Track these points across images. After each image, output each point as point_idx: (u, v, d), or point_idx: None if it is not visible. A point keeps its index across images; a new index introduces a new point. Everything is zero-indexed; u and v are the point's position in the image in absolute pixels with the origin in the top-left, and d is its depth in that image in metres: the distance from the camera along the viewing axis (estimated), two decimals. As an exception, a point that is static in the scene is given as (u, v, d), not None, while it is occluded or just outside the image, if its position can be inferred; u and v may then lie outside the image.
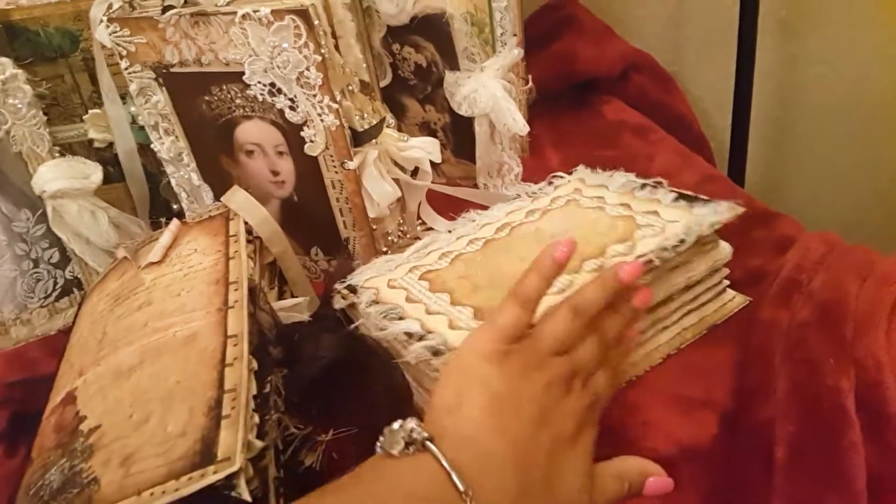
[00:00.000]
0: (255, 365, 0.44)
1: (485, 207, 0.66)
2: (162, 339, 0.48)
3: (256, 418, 0.41)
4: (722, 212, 0.53)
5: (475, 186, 0.81)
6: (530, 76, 0.81)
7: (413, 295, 0.52)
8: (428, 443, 0.36)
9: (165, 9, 0.57)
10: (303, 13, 0.53)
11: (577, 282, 0.48)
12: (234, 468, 0.37)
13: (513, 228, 0.58)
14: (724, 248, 0.55)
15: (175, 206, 0.72)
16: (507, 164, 0.78)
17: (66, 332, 0.68)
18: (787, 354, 0.47)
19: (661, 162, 0.78)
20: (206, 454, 0.38)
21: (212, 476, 0.37)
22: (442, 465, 0.35)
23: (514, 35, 0.75)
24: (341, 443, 0.49)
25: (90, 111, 0.73)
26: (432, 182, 0.69)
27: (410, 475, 0.36)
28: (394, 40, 0.77)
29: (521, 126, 0.72)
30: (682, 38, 1.07)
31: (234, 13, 0.54)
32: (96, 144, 0.74)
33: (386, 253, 0.67)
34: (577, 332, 0.42)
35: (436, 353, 0.46)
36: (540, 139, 0.87)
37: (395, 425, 0.38)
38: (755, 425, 0.45)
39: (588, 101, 0.94)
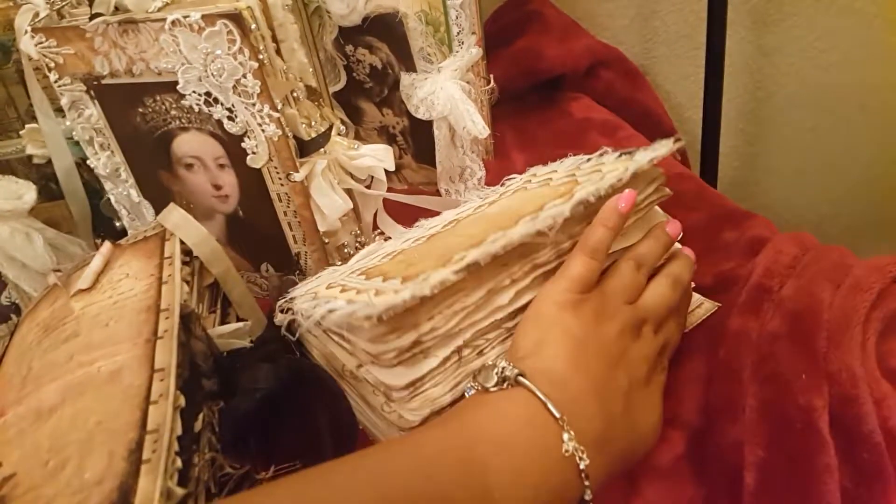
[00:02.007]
0: (181, 402, 0.41)
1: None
2: (86, 375, 0.44)
3: (179, 462, 0.38)
4: (659, 147, 0.50)
5: (437, 192, 0.78)
6: (492, 76, 0.78)
7: (348, 286, 0.48)
8: (521, 378, 0.39)
9: (93, 17, 0.53)
10: (235, 17, 0.49)
11: (509, 233, 0.44)
12: None
13: (459, 222, 0.55)
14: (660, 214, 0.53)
15: (118, 224, 0.68)
16: (469, 167, 0.75)
17: None
18: (755, 369, 0.45)
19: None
20: (123, 503, 0.35)
21: None
22: (537, 395, 0.38)
23: (473, 33, 0.72)
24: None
25: (27, 126, 0.69)
26: (389, 190, 0.66)
27: (509, 404, 0.39)
28: (346, 42, 0.73)
29: (480, 129, 0.68)
30: (651, 30, 1.04)
31: (164, 20, 0.51)
32: (36, 160, 0.70)
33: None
34: (640, 281, 0.46)
35: (351, 315, 0.42)
36: (505, 141, 0.84)
37: (488, 362, 0.42)
38: (723, 447, 0.42)
39: (554, 100, 0.91)
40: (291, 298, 0.52)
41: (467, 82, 0.71)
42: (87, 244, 0.67)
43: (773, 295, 0.50)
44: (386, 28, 0.70)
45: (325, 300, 0.46)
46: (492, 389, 0.40)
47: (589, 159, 0.56)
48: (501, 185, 0.61)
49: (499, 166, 0.80)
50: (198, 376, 0.45)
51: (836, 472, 0.39)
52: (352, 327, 0.44)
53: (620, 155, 0.54)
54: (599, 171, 0.51)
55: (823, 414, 0.40)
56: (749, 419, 0.42)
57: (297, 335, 0.52)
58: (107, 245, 0.53)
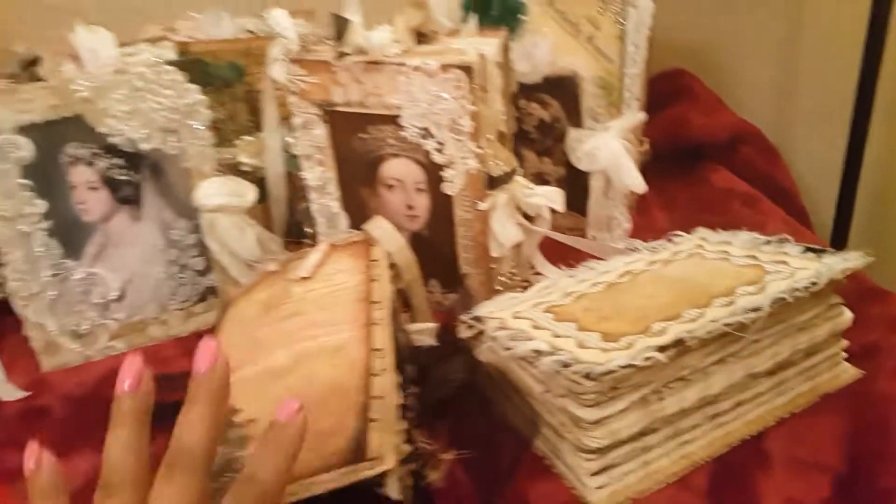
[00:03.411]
0: (398, 378, 0.48)
1: (594, 258, 0.70)
2: (313, 346, 0.52)
3: (403, 425, 0.45)
4: (851, 259, 0.55)
5: (584, 237, 0.84)
6: (647, 139, 0.85)
7: (539, 323, 0.55)
8: None
9: (340, 55, 0.64)
10: (468, 69, 0.59)
11: (707, 315, 0.51)
12: (387, 466, 0.41)
13: (635, 275, 0.62)
14: (846, 315, 0.57)
15: (308, 230, 0.78)
16: (616, 218, 0.82)
17: (197, 336, 0.74)
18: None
19: (771, 232, 0.79)
20: (357, 452, 0.42)
21: (365, 472, 0.41)
22: None
23: (637, 99, 0.79)
24: (454, 465, 0.52)
25: (243, 137, 0.81)
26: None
27: None
28: (522, 95, 0.82)
29: (639, 184, 0.75)
30: (790, 111, 1.09)
31: (405, 64, 0.60)
32: (242, 168, 0.81)
33: (500, 292, 0.71)
34: None
35: (565, 365, 0.48)
36: (646, 199, 0.90)
37: None
38: (874, 492, 0.46)
39: (694, 167, 0.97)
40: (477, 317, 0.59)
41: (627, 141, 0.79)
42: (281, 243, 0.77)
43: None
44: (561, 87, 0.79)
45: (522, 334, 0.53)
46: None
47: (768, 241, 0.62)
48: (668, 241, 0.67)
49: (640, 221, 0.86)
50: (402, 362, 0.52)
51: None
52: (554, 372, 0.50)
53: (806, 250, 0.59)
54: (786, 262, 0.57)
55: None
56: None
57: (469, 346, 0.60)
58: (325, 243, 0.63)
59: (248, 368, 0.54)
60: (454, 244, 0.69)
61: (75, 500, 0.54)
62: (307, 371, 0.50)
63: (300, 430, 0.38)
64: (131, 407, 0.37)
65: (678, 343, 0.49)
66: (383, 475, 0.41)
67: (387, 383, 0.47)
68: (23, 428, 0.63)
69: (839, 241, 1.04)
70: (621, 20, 0.73)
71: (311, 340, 0.53)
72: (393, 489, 0.41)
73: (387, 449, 0.42)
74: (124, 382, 0.37)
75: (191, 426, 0.37)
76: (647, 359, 0.47)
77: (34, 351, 0.71)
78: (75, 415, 0.64)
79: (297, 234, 0.82)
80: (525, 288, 0.71)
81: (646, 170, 0.91)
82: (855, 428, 0.54)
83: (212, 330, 0.68)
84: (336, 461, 0.42)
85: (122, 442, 0.37)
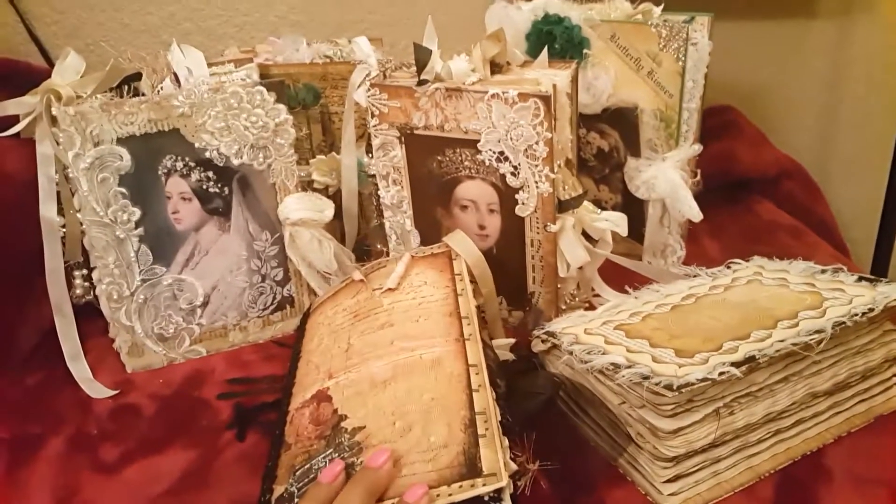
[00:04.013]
0: (495, 394, 0.51)
1: (648, 281, 0.73)
2: (410, 359, 0.55)
3: (506, 441, 0.47)
4: None
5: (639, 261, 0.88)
6: (699, 170, 0.89)
7: (612, 339, 0.59)
8: None
9: (421, 82, 0.68)
10: (545, 98, 0.63)
11: (775, 336, 0.55)
12: (502, 483, 0.43)
13: (698, 298, 0.65)
14: None
15: (378, 246, 0.82)
16: (671, 246, 0.86)
17: (275, 342, 0.78)
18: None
19: (819, 263, 0.83)
20: (471, 467, 0.45)
21: (481, 488, 0.43)
22: None
23: (693, 133, 0.83)
24: (537, 475, 0.55)
25: (317, 157, 0.85)
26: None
27: None
28: (582, 125, 0.86)
29: (696, 213, 0.79)
30: (830, 152, 1.13)
31: (485, 92, 0.65)
32: (316, 185, 0.86)
33: (564, 310, 0.74)
34: None
35: (645, 377, 0.51)
36: (696, 228, 0.94)
37: None
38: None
39: (741, 199, 1.01)
40: (550, 333, 0.63)
41: (684, 172, 0.83)
42: (353, 257, 0.81)
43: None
44: (621, 119, 0.83)
45: (597, 348, 0.57)
46: None
47: (824, 270, 0.66)
48: (727, 267, 0.71)
49: (691, 249, 0.90)
50: (493, 377, 0.54)
51: None
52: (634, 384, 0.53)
53: (860, 279, 0.64)
54: (842, 290, 0.62)
55: None
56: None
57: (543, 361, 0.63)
58: (407, 255, 0.67)
59: (347, 375, 0.57)
60: (523, 263, 0.73)
61: (167, 499, 0.58)
62: (409, 384, 0.53)
63: (388, 477, 0.46)
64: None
65: (750, 360, 0.52)
66: (498, 491, 0.43)
67: (487, 399, 0.50)
68: (114, 425, 0.67)
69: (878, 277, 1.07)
70: (681, 57, 0.78)
71: (407, 353, 0.56)
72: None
73: (499, 465, 0.44)
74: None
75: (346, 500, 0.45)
76: (722, 373, 0.51)
77: (118, 353, 0.75)
78: (164, 413, 0.68)
79: (361, 250, 0.87)
80: (587, 308, 0.75)
81: (696, 200, 0.95)
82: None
83: (293, 336, 0.72)
84: (451, 475, 0.45)
85: None
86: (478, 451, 0.46)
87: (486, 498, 0.44)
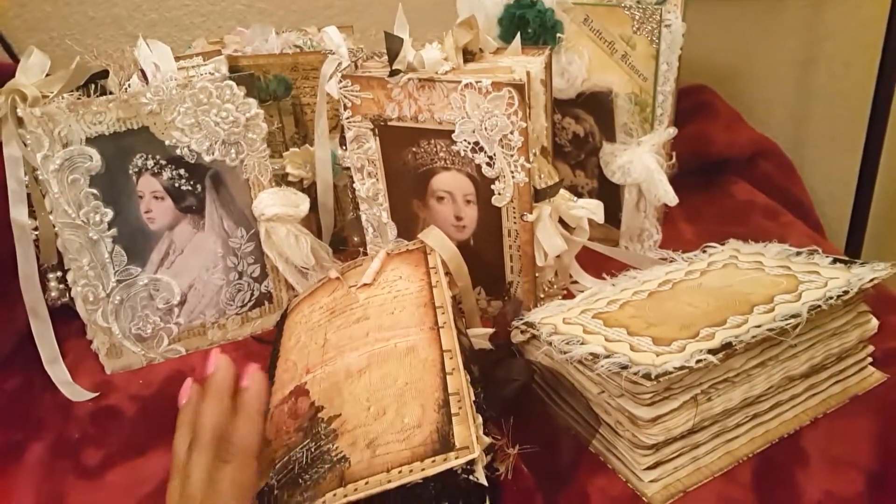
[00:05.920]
0: (469, 377, 0.52)
1: (626, 267, 0.74)
2: (385, 348, 0.56)
3: (480, 419, 0.49)
4: (880, 269, 0.59)
5: (615, 247, 0.88)
6: (674, 153, 0.89)
7: (590, 329, 0.59)
8: None
9: (393, 73, 0.67)
10: (519, 87, 0.63)
11: (751, 321, 0.55)
12: (474, 455, 0.44)
13: (674, 284, 0.66)
14: (873, 322, 0.61)
15: (355, 238, 0.82)
16: (647, 230, 0.86)
17: (255, 338, 0.78)
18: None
19: (794, 243, 0.83)
20: (444, 443, 0.46)
21: (453, 461, 0.44)
22: None
23: (668, 116, 0.83)
24: (518, 460, 0.56)
25: (290, 150, 0.84)
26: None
27: None
28: (557, 111, 0.86)
29: (671, 197, 0.79)
30: (805, 129, 1.14)
31: (459, 82, 0.64)
32: (289, 179, 0.85)
33: (543, 300, 0.75)
34: None
35: (623, 367, 0.52)
36: (672, 211, 0.94)
37: None
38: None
39: (716, 181, 1.01)
40: (529, 323, 0.63)
41: (658, 156, 0.83)
42: (330, 251, 0.80)
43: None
44: (595, 103, 0.83)
45: (576, 338, 0.57)
46: None
47: (799, 253, 0.67)
48: (703, 251, 0.71)
49: (667, 233, 0.90)
50: (467, 362, 0.56)
51: None
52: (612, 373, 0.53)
53: (834, 261, 0.64)
54: (817, 272, 0.62)
55: None
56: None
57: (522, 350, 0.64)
58: (383, 252, 0.66)
59: (324, 369, 0.57)
60: (500, 254, 0.73)
61: (152, 500, 0.57)
62: (383, 371, 0.54)
63: (229, 377, 0.48)
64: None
65: (727, 346, 0.53)
66: (471, 463, 0.44)
67: (460, 381, 0.51)
68: (96, 428, 0.66)
69: (852, 254, 1.08)
70: (655, 39, 0.77)
71: (382, 343, 0.57)
72: (481, 475, 0.45)
73: (471, 439, 0.46)
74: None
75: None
76: (700, 361, 0.51)
77: (96, 354, 0.74)
78: (145, 414, 0.68)
79: (337, 243, 0.86)
80: (565, 295, 0.75)
81: (672, 183, 0.95)
82: (883, 428, 0.58)
83: (272, 332, 0.72)
84: (425, 451, 0.46)
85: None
86: (451, 429, 0.47)
87: (460, 472, 0.45)
